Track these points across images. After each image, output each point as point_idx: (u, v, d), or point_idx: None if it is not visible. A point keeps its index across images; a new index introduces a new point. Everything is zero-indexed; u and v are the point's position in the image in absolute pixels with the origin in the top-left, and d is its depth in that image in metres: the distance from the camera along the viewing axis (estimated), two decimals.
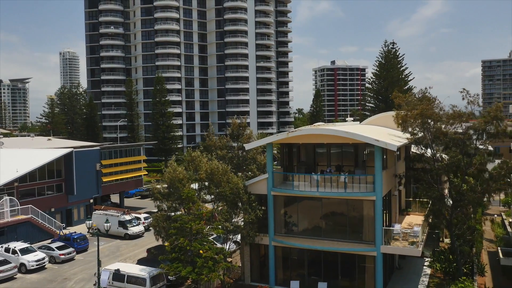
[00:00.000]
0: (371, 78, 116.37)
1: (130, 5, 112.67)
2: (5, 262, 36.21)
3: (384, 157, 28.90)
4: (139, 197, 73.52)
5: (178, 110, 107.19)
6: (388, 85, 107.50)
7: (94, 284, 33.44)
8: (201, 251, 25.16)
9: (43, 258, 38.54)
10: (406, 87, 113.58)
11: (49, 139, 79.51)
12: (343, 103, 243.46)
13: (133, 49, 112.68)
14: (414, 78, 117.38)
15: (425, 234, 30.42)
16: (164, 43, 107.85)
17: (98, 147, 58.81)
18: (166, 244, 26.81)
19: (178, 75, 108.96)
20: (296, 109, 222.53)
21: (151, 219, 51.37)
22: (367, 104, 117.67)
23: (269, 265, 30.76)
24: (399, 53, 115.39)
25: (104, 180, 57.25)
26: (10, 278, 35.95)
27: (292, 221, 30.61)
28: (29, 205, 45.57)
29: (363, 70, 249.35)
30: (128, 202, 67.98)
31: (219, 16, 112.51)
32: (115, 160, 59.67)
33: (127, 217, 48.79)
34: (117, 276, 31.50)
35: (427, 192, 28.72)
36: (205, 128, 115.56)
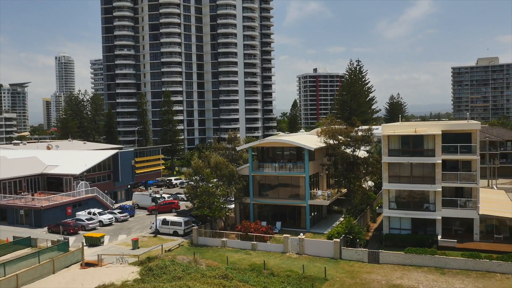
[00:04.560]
0: (339, 90, 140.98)
1: (139, 31, 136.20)
2: (92, 218, 60.06)
3: (313, 153, 53.30)
4: (155, 186, 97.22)
5: (180, 117, 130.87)
6: (351, 97, 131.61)
7: (150, 228, 57.66)
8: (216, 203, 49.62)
9: (112, 218, 62.41)
10: (368, 98, 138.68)
11: (85, 143, 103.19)
12: (324, 107, 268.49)
13: (142, 67, 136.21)
14: (375, 90, 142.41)
15: (336, 197, 54.99)
16: (168, 63, 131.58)
17: (132, 149, 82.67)
18: (196, 202, 50.94)
19: (180, 89, 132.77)
20: (281, 113, 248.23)
21: (172, 197, 75.50)
22: (337, 112, 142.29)
23: (250, 214, 55.09)
24: (363, 69, 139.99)
25: (136, 172, 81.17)
26: (94, 229, 59.61)
27: (263, 189, 54.94)
28: (94, 187, 69.29)
29: (342, 77, 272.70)
30: None
31: (214, 40, 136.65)
32: (143, 158, 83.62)
33: (157, 195, 72.69)
34: (164, 222, 55.54)
35: (333, 172, 53.32)
36: (203, 132, 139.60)
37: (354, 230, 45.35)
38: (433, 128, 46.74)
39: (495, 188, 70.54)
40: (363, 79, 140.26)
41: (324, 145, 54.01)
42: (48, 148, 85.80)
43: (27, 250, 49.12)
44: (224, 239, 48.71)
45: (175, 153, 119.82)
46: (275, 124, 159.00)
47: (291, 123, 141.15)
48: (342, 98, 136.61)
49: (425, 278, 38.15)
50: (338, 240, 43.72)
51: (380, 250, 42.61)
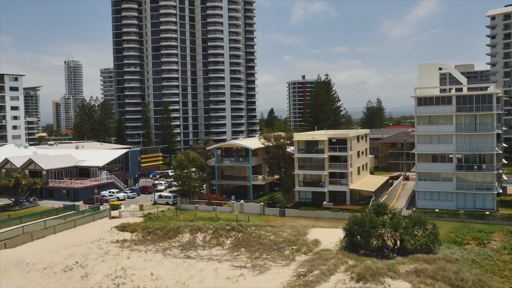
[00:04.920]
0: (308, 100, 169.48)
1: (144, 52, 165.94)
2: (112, 195, 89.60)
3: (256, 151, 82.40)
4: (158, 176, 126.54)
5: (177, 123, 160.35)
6: (317, 106, 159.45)
7: (151, 200, 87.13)
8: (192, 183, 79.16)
9: (125, 195, 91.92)
10: (333, 107, 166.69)
11: (101, 144, 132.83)
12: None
13: (147, 81, 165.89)
14: (340, 99, 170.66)
15: (270, 180, 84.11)
16: (167, 78, 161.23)
17: (139, 148, 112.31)
18: (180, 182, 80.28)
19: (177, 99, 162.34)
20: (273, 115, 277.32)
21: (167, 184, 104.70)
22: (303, 119, 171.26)
23: (216, 191, 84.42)
24: (331, 82, 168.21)
25: (141, 165, 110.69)
26: (113, 201, 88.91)
27: (224, 175, 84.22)
28: (112, 175, 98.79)
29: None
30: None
31: (205, 59, 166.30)
32: (146, 155, 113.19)
33: (156, 182, 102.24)
34: (160, 196, 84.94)
35: (267, 164, 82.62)
36: (196, 134, 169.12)
37: (274, 199, 74.48)
38: (323, 136, 75.79)
39: (403, 176, 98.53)
40: (330, 91, 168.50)
41: (263, 146, 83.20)
42: (77, 147, 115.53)
43: (73, 212, 78.54)
44: (196, 205, 78.04)
45: (172, 151, 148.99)
46: (258, 128, 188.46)
47: (269, 126, 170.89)
48: (309, 107, 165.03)
49: (306, 222, 67.09)
50: (262, 203, 72.96)
51: (285, 209, 71.85)
